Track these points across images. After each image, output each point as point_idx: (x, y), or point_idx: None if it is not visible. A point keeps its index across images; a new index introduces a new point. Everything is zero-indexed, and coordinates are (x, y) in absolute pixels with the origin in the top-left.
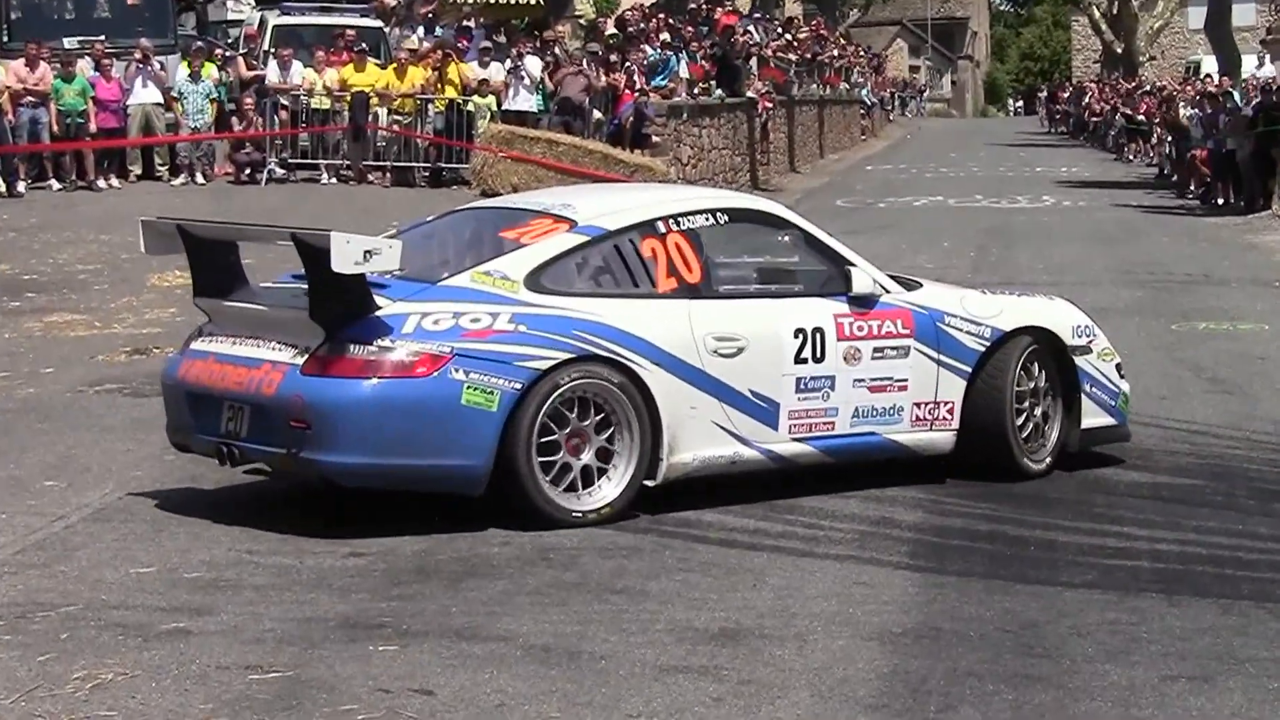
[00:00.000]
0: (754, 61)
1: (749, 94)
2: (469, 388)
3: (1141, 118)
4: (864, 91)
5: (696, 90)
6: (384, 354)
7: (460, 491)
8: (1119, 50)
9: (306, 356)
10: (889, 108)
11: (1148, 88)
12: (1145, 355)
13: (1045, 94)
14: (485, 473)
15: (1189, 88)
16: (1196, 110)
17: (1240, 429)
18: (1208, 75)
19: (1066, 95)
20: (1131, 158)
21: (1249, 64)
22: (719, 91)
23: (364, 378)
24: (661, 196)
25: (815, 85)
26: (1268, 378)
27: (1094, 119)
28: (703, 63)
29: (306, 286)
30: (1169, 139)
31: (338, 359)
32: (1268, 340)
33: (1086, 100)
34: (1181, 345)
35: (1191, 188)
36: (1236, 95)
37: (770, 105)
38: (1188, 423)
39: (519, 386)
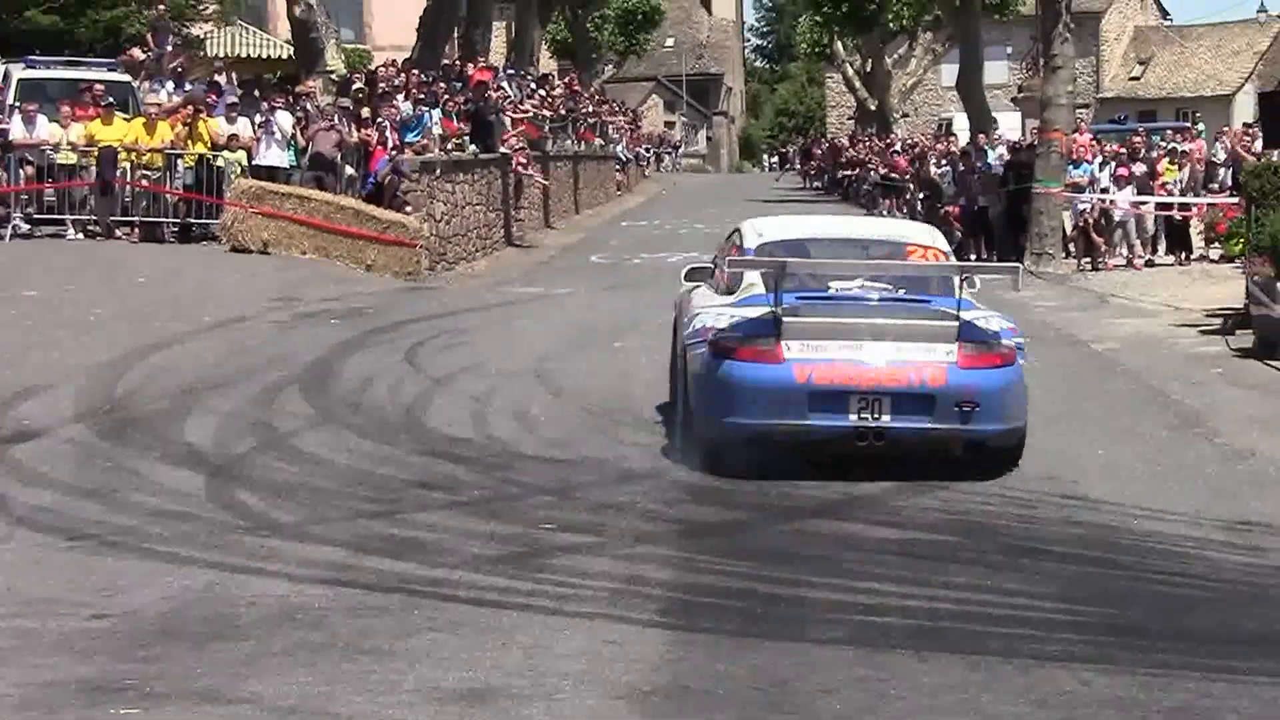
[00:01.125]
0: (507, 118)
1: (503, 150)
2: (1023, 370)
3: (894, 175)
4: (619, 147)
5: (450, 146)
6: (1003, 350)
7: (1018, 444)
8: (873, 107)
9: (956, 356)
10: (644, 163)
11: (898, 147)
12: None
13: (800, 150)
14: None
15: (940, 145)
16: (949, 167)
17: (990, 485)
18: (952, 136)
19: (821, 152)
20: (884, 214)
21: (1004, 121)
22: (473, 147)
23: (1002, 367)
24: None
25: (570, 141)
26: None
27: (847, 175)
28: (457, 121)
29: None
30: (921, 195)
31: (982, 356)
32: None
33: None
34: None
35: None
36: (990, 154)
37: (525, 161)
38: (937, 479)
39: (1023, 364)
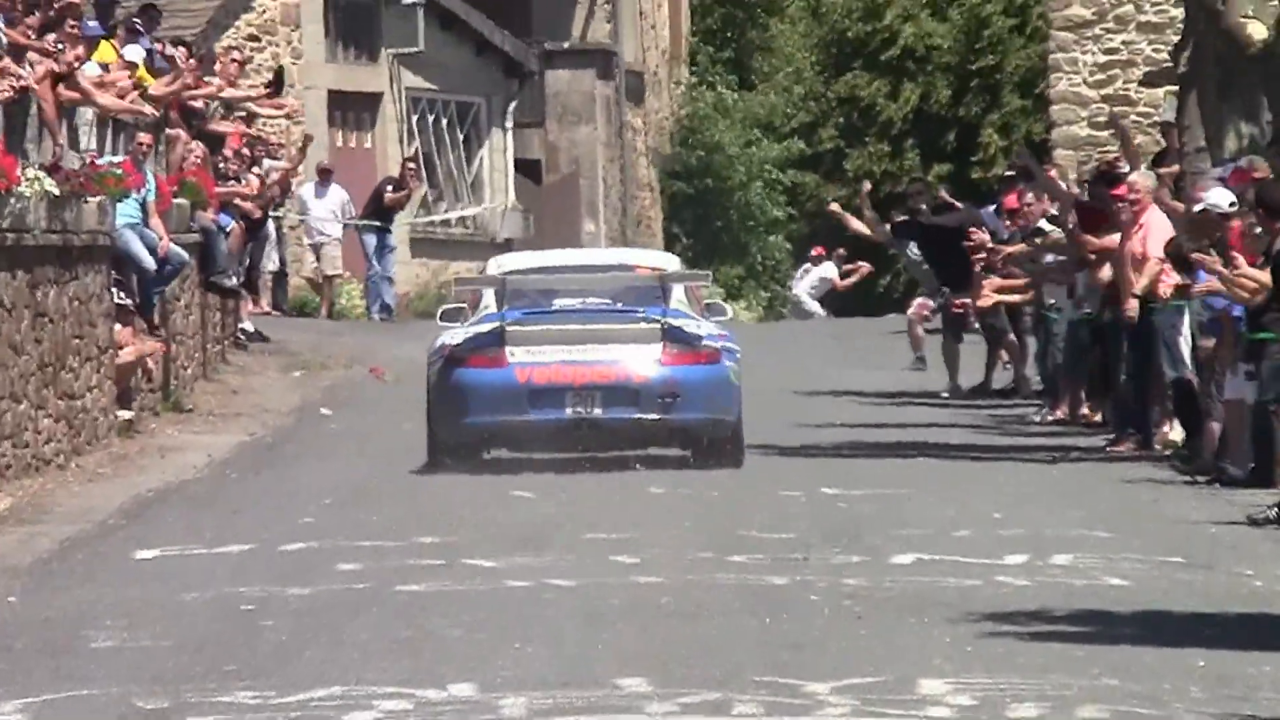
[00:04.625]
0: None
1: None
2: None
3: None
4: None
5: None
6: (705, 349)
7: (729, 437)
8: None
9: (660, 354)
10: (257, 273)
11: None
12: None
13: None
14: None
15: None
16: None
17: None
18: None
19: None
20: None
21: None
22: None
23: (705, 364)
24: None
25: None
26: None
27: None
28: None
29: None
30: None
31: (683, 355)
32: None
33: None
34: None
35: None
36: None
37: None
38: None
39: (732, 365)
